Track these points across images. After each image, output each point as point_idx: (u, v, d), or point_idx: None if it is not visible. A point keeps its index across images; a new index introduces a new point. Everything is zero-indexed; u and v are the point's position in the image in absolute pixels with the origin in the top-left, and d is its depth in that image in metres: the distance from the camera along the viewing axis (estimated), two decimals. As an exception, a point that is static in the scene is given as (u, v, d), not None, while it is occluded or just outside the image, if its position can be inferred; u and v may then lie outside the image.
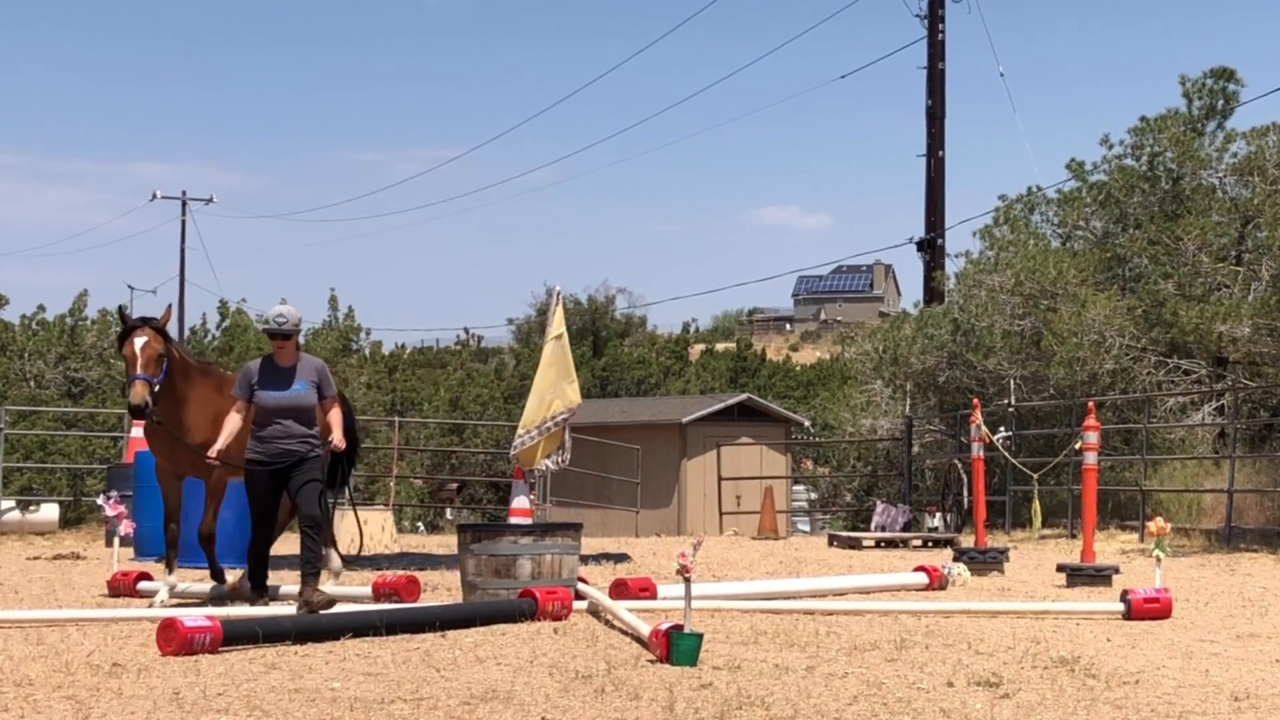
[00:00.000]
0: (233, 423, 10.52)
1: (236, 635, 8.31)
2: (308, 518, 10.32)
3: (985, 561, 14.70)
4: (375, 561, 15.57)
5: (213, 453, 10.42)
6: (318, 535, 10.42)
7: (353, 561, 15.68)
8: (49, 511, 23.20)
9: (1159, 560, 11.55)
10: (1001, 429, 22.88)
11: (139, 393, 10.54)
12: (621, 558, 16.40)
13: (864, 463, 32.43)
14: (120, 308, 11.03)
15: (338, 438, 10.47)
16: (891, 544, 20.04)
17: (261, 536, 10.73)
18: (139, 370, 10.61)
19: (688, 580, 8.22)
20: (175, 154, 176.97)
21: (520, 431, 12.01)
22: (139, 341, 10.67)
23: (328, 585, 11.16)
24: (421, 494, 32.79)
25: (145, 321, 10.84)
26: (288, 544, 20.28)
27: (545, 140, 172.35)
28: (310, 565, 10.26)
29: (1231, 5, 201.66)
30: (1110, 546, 18.58)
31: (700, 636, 7.98)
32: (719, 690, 7.05)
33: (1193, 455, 22.30)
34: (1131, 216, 25.88)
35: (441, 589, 12.21)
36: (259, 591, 10.77)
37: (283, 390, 10.42)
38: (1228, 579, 14.41)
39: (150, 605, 10.70)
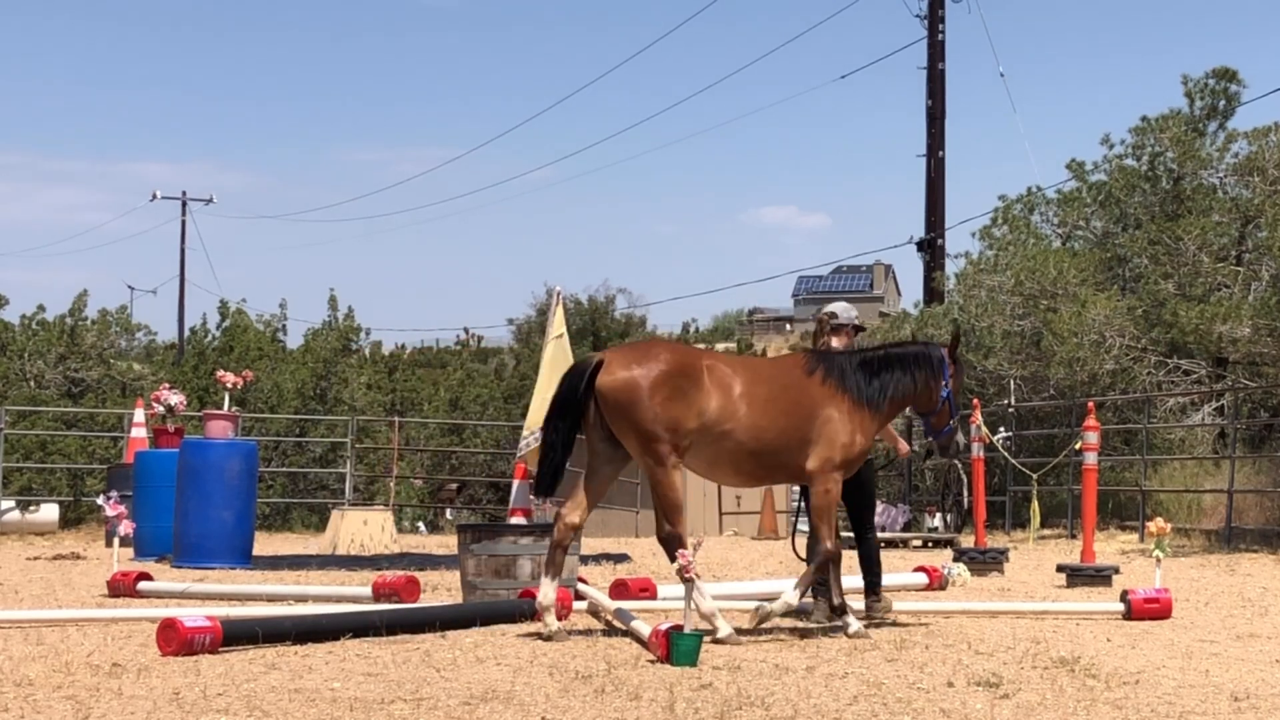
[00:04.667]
0: None
1: (236, 635, 8.31)
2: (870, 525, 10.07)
3: (985, 561, 14.69)
4: (375, 561, 15.56)
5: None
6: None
7: (353, 562, 15.68)
8: (49, 511, 23.21)
9: (1159, 560, 11.54)
10: (1001, 429, 22.87)
11: None
12: (621, 558, 16.40)
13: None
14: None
15: None
16: (891, 544, 20.02)
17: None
18: None
19: (688, 581, 8.22)
20: (175, 154, 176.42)
21: (525, 433, 11.99)
22: None
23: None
24: (421, 494, 32.76)
25: None
26: (290, 544, 20.28)
27: (545, 140, 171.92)
28: (873, 575, 9.91)
29: (1232, 5, 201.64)
30: (1110, 547, 18.58)
31: (700, 636, 7.98)
32: (719, 690, 7.05)
33: (1193, 455, 22.30)
34: (1132, 216, 25.89)
35: (441, 589, 12.20)
36: (877, 595, 9.96)
37: None
38: (1228, 579, 14.41)
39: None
